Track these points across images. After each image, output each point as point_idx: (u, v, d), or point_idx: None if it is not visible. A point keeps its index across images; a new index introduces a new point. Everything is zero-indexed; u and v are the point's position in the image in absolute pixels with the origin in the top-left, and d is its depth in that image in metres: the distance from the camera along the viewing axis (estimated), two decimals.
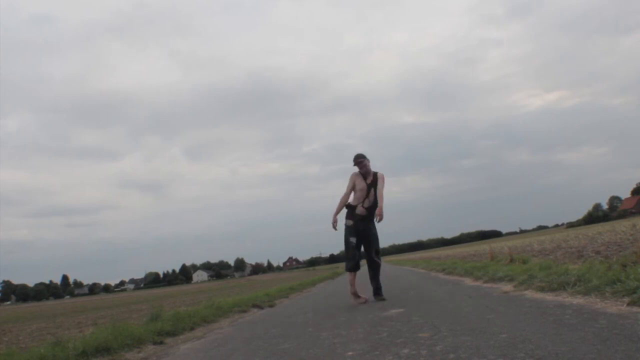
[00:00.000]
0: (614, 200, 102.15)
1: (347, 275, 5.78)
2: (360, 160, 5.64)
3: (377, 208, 5.52)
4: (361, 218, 5.62)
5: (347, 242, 5.66)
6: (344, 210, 5.78)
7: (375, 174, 5.69)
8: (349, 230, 5.66)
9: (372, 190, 5.62)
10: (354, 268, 5.66)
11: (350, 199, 5.78)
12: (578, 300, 3.47)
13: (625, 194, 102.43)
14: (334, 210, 5.66)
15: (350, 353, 2.69)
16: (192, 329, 5.26)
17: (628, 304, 2.90)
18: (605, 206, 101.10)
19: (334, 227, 5.63)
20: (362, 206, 5.60)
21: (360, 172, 5.66)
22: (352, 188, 5.66)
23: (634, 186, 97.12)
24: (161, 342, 4.36)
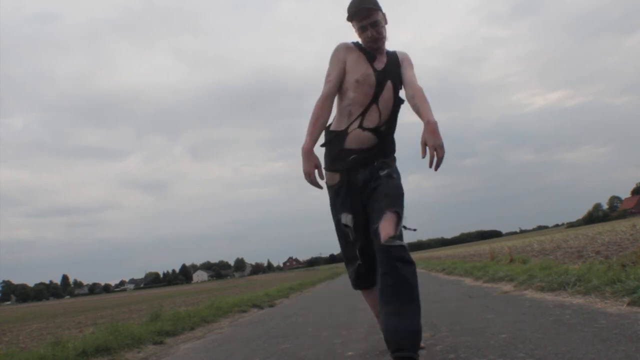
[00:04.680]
0: (614, 200, 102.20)
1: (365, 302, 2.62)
2: (365, 9, 2.28)
3: (426, 128, 2.07)
4: (362, 157, 2.27)
5: (337, 227, 2.39)
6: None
7: (393, 55, 2.40)
8: (335, 199, 2.35)
9: (390, 84, 2.31)
10: (364, 282, 2.43)
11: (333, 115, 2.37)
12: (578, 300, 3.47)
13: (625, 194, 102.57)
14: (305, 135, 2.24)
15: (350, 353, 2.69)
16: (192, 329, 5.26)
17: (628, 304, 2.91)
18: (605, 206, 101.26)
19: (313, 180, 2.20)
20: (363, 127, 2.26)
21: (360, 43, 2.37)
22: (340, 78, 2.32)
23: (634, 186, 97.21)
24: (161, 342, 4.37)
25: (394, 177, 2.25)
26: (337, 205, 2.35)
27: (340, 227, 2.37)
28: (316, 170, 2.20)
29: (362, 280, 2.43)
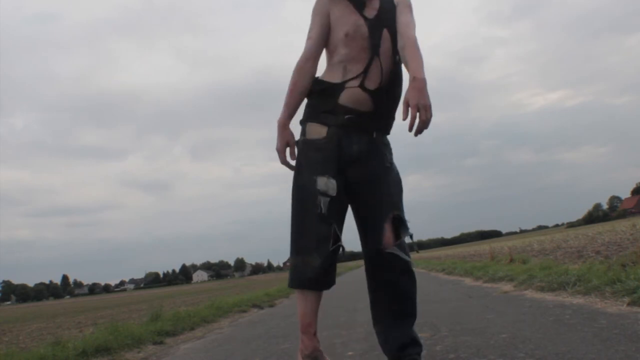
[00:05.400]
0: (614, 200, 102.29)
1: (297, 297, 1.84)
2: None
3: (412, 85, 1.63)
4: (359, 120, 1.82)
5: (301, 193, 1.81)
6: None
7: None
8: (314, 156, 1.82)
9: (387, 34, 1.86)
10: (315, 280, 1.76)
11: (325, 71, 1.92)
12: (578, 300, 3.47)
13: (625, 194, 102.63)
14: (283, 105, 1.88)
15: (350, 353, 2.69)
16: (192, 329, 5.26)
17: (628, 304, 2.90)
18: (605, 206, 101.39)
19: (283, 160, 1.87)
20: (364, 87, 1.81)
21: None
22: (324, 33, 1.90)
23: (634, 186, 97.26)
24: (161, 342, 4.36)
25: (395, 169, 1.94)
26: (315, 164, 1.80)
27: (307, 194, 1.79)
28: (287, 149, 1.87)
29: (322, 276, 1.77)
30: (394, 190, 1.87)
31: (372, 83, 1.83)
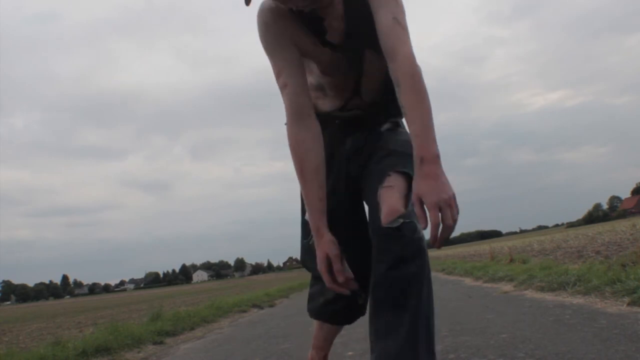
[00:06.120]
0: (614, 200, 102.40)
1: (314, 328, 1.82)
2: None
3: (419, 171, 1.08)
4: (354, 119, 1.47)
5: (305, 227, 1.47)
6: None
7: None
8: None
9: (369, 55, 1.33)
10: (331, 314, 1.64)
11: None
12: (578, 300, 3.47)
13: (625, 194, 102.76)
14: (305, 202, 1.31)
15: (350, 353, 2.69)
16: (192, 329, 5.26)
17: (628, 304, 2.90)
18: (605, 206, 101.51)
19: (330, 282, 1.30)
20: (358, 106, 1.46)
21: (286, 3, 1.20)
22: (298, 73, 1.31)
23: (634, 186, 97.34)
24: (161, 342, 4.37)
25: (400, 131, 1.47)
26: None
27: (308, 228, 1.39)
28: (330, 259, 1.26)
29: (340, 310, 1.56)
30: (395, 147, 1.38)
31: (367, 96, 1.45)
